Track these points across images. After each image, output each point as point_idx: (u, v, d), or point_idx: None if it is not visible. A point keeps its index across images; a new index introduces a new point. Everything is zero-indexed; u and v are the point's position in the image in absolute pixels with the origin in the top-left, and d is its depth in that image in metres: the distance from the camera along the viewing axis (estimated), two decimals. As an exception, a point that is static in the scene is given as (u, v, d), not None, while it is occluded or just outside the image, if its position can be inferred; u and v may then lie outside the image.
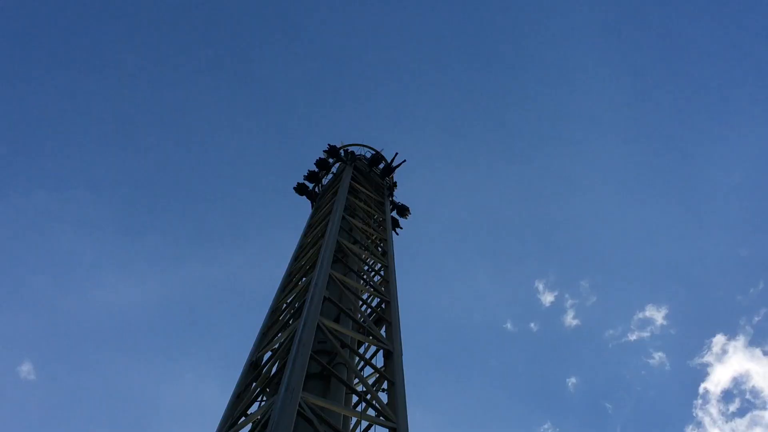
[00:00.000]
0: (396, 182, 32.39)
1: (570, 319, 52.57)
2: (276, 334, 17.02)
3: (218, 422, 13.84)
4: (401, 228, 29.39)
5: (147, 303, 55.15)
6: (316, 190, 30.55)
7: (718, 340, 47.49)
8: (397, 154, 30.97)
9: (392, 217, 28.41)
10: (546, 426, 48.99)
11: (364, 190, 27.96)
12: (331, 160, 31.42)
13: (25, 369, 50.68)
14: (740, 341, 48.37)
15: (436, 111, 66.65)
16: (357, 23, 69.15)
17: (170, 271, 58.34)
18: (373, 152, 31.62)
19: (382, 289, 20.21)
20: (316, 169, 31.19)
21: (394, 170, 30.82)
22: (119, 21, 64.53)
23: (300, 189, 30.49)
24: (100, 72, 63.23)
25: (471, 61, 67.36)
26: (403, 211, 30.03)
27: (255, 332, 18.87)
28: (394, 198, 30.17)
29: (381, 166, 30.99)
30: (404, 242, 28.83)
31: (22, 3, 61.66)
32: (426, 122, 65.99)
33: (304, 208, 30.91)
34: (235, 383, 15.64)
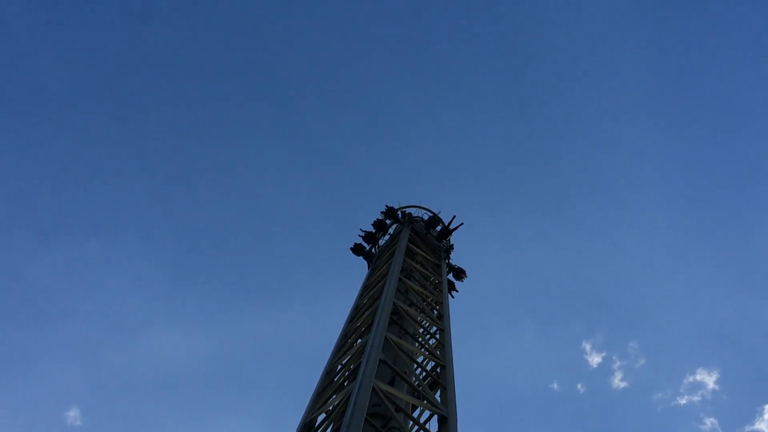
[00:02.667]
0: (453, 245, 32.32)
1: (618, 381, 51.39)
2: (330, 396, 16.96)
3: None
4: (457, 291, 29.21)
5: (194, 355, 55.46)
6: (373, 251, 30.60)
7: (770, 406, 45.72)
8: (454, 217, 30.90)
9: (448, 280, 28.31)
10: None
11: (420, 252, 27.98)
12: (388, 222, 31.54)
13: (72, 414, 51.19)
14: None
15: (487, 171, 66.81)
16: (411, 79, 70.06)
17: (218, 324, 58.78)
18: (431, 214, 31.69)
19: (438, 352, 20.05)
20: (373, 230, 31.35)
21: (451, 233, 30.77)
22: (176, 70, 66.37)
23: (357, 249, 30.60)
24: (154, 124, 64.99)
25: (522, 120, 67.64)
26: (460, 274, 29.86)
27: (301, 389, 18.95)
28: (450, 261, 30.08)
29: (438, 228, 31.01)
30: (455, 303, 28.62)
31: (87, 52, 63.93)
32: (476, 182, 66.12)
33: (353, 267, 31.11)
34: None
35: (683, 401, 50.07)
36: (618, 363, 55.97)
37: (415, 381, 17.87)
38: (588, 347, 54.97)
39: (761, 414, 50.22)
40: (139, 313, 56.74)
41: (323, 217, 65.18)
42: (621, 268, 60.17)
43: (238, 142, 67.16)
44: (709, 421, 47.96)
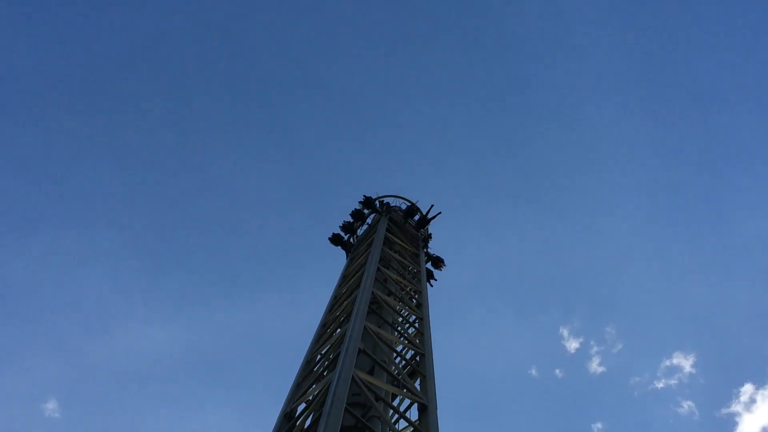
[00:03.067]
0: (431, 234, 32.39)
1: (595, 366, 51.82)
2: (310, 386, 16.98)
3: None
4: (435, 280, 29.34)
5: (172, 346, 55.25)
6: (351, 240, 30.69)
7: (747, 389, 46.43)
8: (432, 206, 31.04)
9: (427, 269, 28.40)
10: None
11: (398, 241, 28.02)
12: (366, 211, 31.68)
13: (50, 407, 50.89)
14: (769, 390, 47.13)
15: (464, 160, 67.04)
16: (387, 71, 70.06)
17: (197, 316, 58.59)
18: (409, 204, 31.76)
19: (417, 341, 20.11)
20: (351, 220, 31.50)
21: (429, 222, 30.89)
22: (150, 64, 65.91)
23: (335, 239, 30.73)
24: (130, 115, 64.51)
25: (498, 110, 67.86)
26: (438, 262, 29.99)
27: (281, 379, 19.00)
28: (428, 250, 30.15)
29: (416, 218, 31.13)
30: (433, 291, 28.70)
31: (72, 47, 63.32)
32: (457, 173, 66.30)
33: (331, 258, 31.20)
34: (259, 430, 15.57)
35: (660, 385, 50.68)
36: (595, 348, 56.52)
37: (394, 370, 17.92)
38: (565, 333, 55.47)
39: (737, 396, 50.91)
40: (117, 305, 56.47)
41: (300, 207, 65.17)
42: (598, 254, 60.75)
43: (213, 134, 66.93)
44: (687, 404, 48.59)
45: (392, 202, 33.79)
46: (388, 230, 28.74)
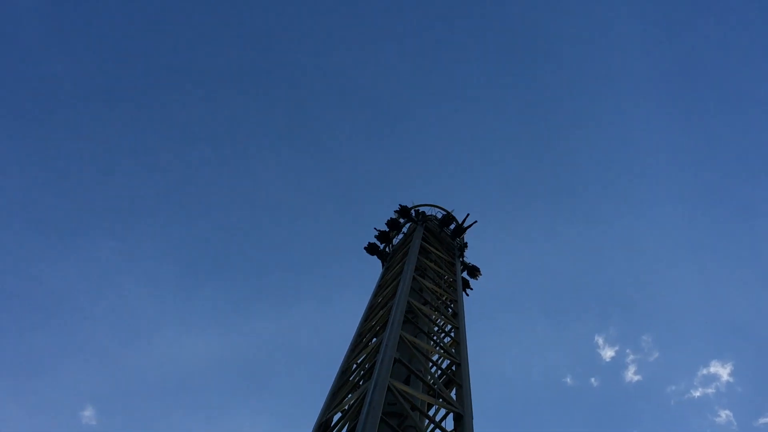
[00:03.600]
0: (467, 243, 32.30)
1: (631, 374, 51.17)
2: (346, 395, 16.99)
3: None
4: (471, 289, 29.29)
5: (207, 356, 55.61)
6: (387, 249, 30.77)
7: (785, 397, 45.48)
8: (468, 215, 30.99)
9: (463, 278, 28.34)
10: None
11: (434, 250, 27.97)
12: (402, 221, 31.81)
13: (87, 414, 51.47)
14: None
15: (497, 168, 66.78)
16: (419, 77, 70.02)
17: (231, 324, 58.93)
18: (444, 213, 31.83)
19: (453, 351, 20.04)
20: (387, 229, 31.60)
21: (465, 231, 30.90)
22: (185, 71, 66.56)
23: (371, 249, 30.82)
24: (169, 124, 65.15)
25: (531, 116, 67.52)
26: (474, 272, 29.91)
27: (316, 388, 19.10)
28: (464, 259, 30.13)
29: (452, 227, 31.21)
30: (469, 300, 28.63)
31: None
32: (491, 181, 66.06)
33: (366, 267, 31.26)
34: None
35: (697, 394, 49.92)
36: (631, 356, 55.86)
37: (430, 379, 17.88)
38: (601, 341, 54.91)
39: (775, 406, 49.88)
40: (153, 314, 57.04)
41: (334, 216, 65.37)
42: (633, 262, 60.09)
43: (248, 144, 67.47)
44: (724, 414, 47.82)
45: (428, 211, 33.79)
46: (423, 239, 28.72)
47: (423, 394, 16.81)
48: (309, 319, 59.81)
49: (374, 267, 31.44)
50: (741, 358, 52.11)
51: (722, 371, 50.35)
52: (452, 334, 21.34)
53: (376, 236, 31.41)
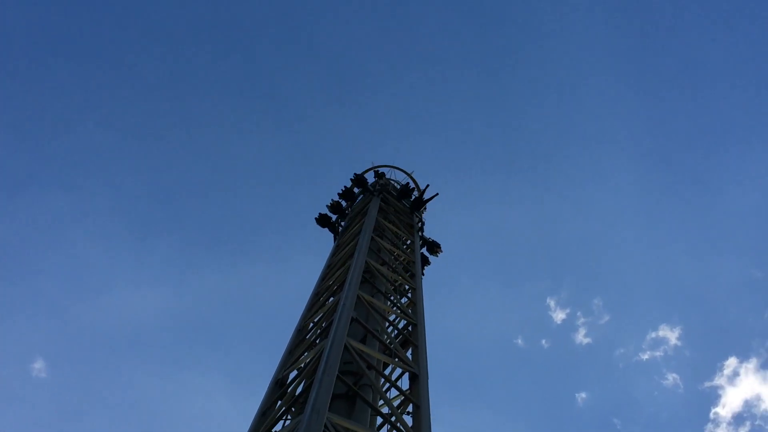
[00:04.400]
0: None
1: (581, 337, 52.12)
2: (302, 354, 17.03)
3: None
4: (430, 264, 27.57)
5: (161, 311, 55.24)
6: (340, 223, 28.71)
7: (731, 362, 46.83)
8: (428, 186, 29.26)
9: (422, 255, 26.88)
10: None
11: (393, 211, 27.96)
12: (356, 190, 29.96)
13: (38, 367, 50.95)
14: (752, 364, 47.63)
15: (452, 130, 66.94)
16: (378, 40, 69.59)
17: (186, 280, 58.51)
18: (404, 174, 31.51)
19: (410, 311, 20.16)
20: (340, 200, 29.57)
21: (425, 204, 28.95)
22: (145, 25, 65.31)
23: (322, 220, 28.71)
24: (122, 78, 64.06)
25: (489, 81, 67.61)
26: (434, 248, 27.98)
27: (271, 346, 19.09)
28: (423, 233, 28.58)
29: (412, 198, 29.82)
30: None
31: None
32: (442, 140, 66.24)
33: (320, 228, 30.47)
34: (247, 395, 15.66)
35: (646, 357, 51.02)
36: (582, 319, 56.82)
37: (386, 339, 17.99)
38: (552, 304, 55.71)
39: (721, 369, 51.21)
40: (104, 267, 56.28)
41: (292, 175, 64.96)
42: (586, 226, 60.91)
43: (205, 98, 66.55)
44: (672, 377, 48.98)
45: (387, 173, 33.71)
46: (382, 200, 28.70)
47: (379, 354, 16.91)
48: (265, 277, 59.68)
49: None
50: (689, 322, 53.36)
51: (671, 335, 51.55)
52: (409, 295, 21.45)
53: (328, 206, 29.13)
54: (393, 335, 18.96)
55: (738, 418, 48.02)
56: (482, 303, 57.53)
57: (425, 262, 26.85)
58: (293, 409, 14.36)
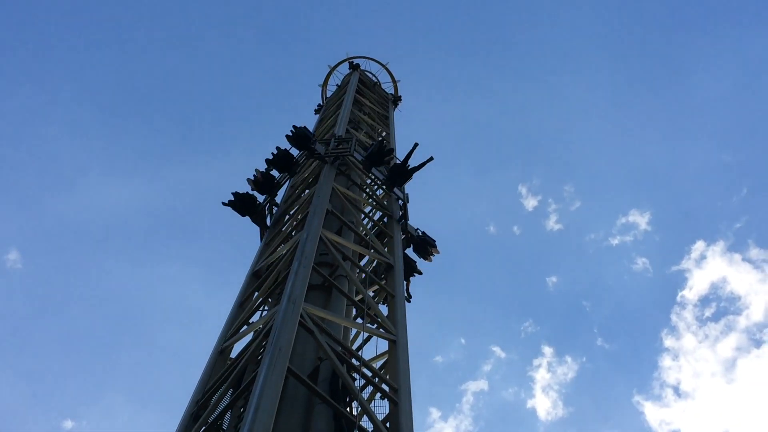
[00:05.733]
0: (401, 96, 32.10)
1: (552, 224, 52.84)
2: (278, 246, 17.16)
3: (203, 323, 14.02)
4: (421, 273, 19.52)
5: (134, 202, 54.97)
6: (269, 210, 19.47)
7: (699, 246, 47.91)
8: (416, 145, 19.92)
9: (411, 261, 19.30)
10: (527, 323, 49.98)
11: (368, 104, 27.75)
12: (294, 154, 20.18)
13: (12, 258, 51.03)
14: (719, 247, 48.80)
15: (424, 16, 65.72)
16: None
17: (159, 172, 58.00)
18: (372, 144, 21.33)
19: (385, 203, 20.24)
20: (272, 171, 20.00)
21: (411, 175, 20.11)
22: None
23: (239, 202, 19.33)
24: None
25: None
26: (426, 248, 19.51)
27: (247, 239, 19.22)
28: (407, 221, 19.29)
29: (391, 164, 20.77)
30: (400, 153, 27.71)
31: None
32: (413, 25, 65.14)
33: (294, 119, 29.66)
34: (224, 286, 15.81)
35: (615, 242, 51.90)
36: (553, 206, 57.43)
37: (362, 230, 18.15)
38: (524, 191, 56.10)
39: (689, 253, 52.33)
40: (77, 159, 55.62)
41: (264, 64, 63.82)
42: (558, 114, 60.91)
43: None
44: (641, 261, 50.01)
45: (363, 65, 33.29)
46: (358, 91, 28.46)
47: (355, 245, 17.10)
48: (240, 169, 59.33)
49: (308, 116, 30.65)
50: (659, 207, 54.10)
51: (640, 220, 52.34)
52: (384, 187, 21.48)
53: (251, 181, 19.66)
54: (369, 227, 19.10)
55: (704, 300, 49.56)
56: (454, 191, 57.85)
57: (412, 269, 19.20)
58: (270, 300, 14.59)
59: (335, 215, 17.18)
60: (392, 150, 21.32)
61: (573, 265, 53.29)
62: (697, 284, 49.12)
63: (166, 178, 58.18)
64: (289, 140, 19.62)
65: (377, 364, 13.89)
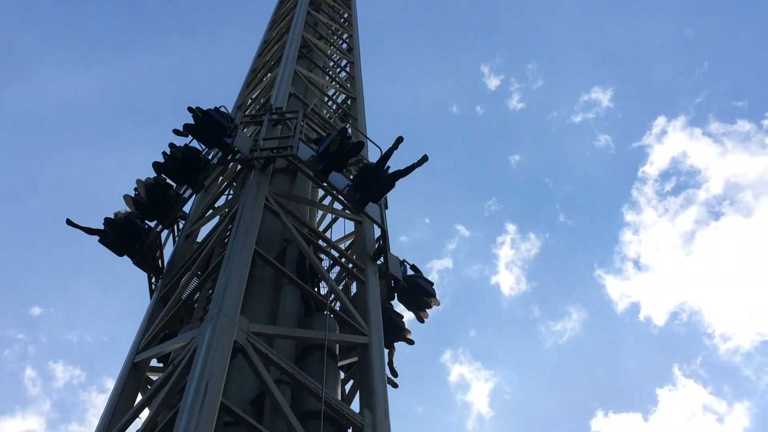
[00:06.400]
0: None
1: (515, 103, 52.58)
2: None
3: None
4: (412, 342, 13.00)
5: (90, 90, 53.45)
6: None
7: (660, 121, 48.32)
8: (400, 139, 12.82)
9: (393, 316, 12.85)
10: (491, 202, 50.59)
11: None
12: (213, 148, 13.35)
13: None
14: (680, 121, 49.24)
15: None
16: None
17: (113, 61, 56.32)
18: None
19: (348, 85, 20.10)
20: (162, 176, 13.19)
21: (392, 184, 12.97)
22: None
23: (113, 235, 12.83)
24: None
25: None
26: (419, 300, 13.18)
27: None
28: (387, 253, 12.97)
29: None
30: (362, 36, 27.04)
31: None
32: None
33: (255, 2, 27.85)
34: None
35: (578, 119, 52.00)
36: (516, 85, 57.05)
37: (326, 113, 18.04)
38: (486, 70, 55.54)
39: (650, 129, 52.69)
40: (31, 47, 53.98)
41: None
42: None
43: None
44: (603, 138, 50.23)
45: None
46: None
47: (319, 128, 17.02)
48: (199, 54, 58.07)
49: (269, 3, 29.73)
50: (621, 83, 53.94)
51: (603, 97, 52.26)
52: (347, 69, 21.26)
53: (133, 198, 12.89)
54: (333, 110, 18.98)
55: (664, 175, 50.17)
56: (416, 72, 57.15)
57: (398, 331, 12.69)
58: (234, 184, 14.56)
59: (298, 98, 17.00)
60: (360, 145, 13.27)
61: (536, 144, 53.43)
62: (657, 160, 49.67)
63: (123, 65, 56.69)
64: (189, 132, 12.63)
65: (344, 245, 14.03)
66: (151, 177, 12.90)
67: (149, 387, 10.41)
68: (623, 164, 51.30)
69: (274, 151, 12.61)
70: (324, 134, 13.94)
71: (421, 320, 13.21)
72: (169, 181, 13.02)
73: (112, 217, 12.80)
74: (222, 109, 12.87)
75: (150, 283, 12.93)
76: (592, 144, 50.90)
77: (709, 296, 48.78)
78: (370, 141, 14.64)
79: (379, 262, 12.73)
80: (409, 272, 13.27)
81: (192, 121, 12.40)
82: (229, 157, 12.55)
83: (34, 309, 44.76)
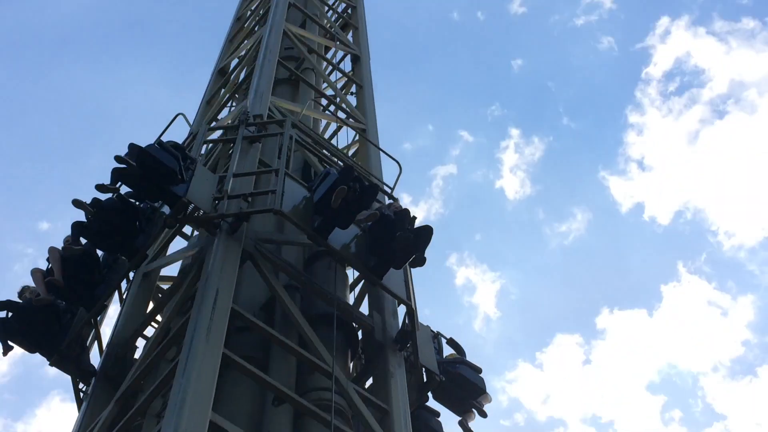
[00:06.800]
0: None
1: (516, 7, 51.62)
2: (242, 41, 16.86)
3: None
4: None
5: (87, 8, 52.37)
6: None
7: (663, 21, 47.43)
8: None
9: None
10: (494, 107, 50.20)
11: None
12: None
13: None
14: (684, 21, 48.35)
15: None
16: None
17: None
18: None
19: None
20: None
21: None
22: None
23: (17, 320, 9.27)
24: None
25: None
26: (463, 400, 9.99)
27: (210, 37, 18.71)
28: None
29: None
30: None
31: None
32: None
33: None
34: (189, 85, 15.61)
35: (580, 21, 51.05)
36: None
37: (326, 23, 17.81)
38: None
39: (654, 30, 51.70)
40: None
41: None
42: None
43: None
44: (606, 40, 49.37)
45: None
46: None
47: (320, 37, 16.83)
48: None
49: None
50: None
51: (606, -2, 51.35)
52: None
53: (45, 271, 9.32)
54: (333, 19, 18.70)
55: (668, 75, 49.36)
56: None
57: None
58: (237, 96, 14.49)
59: (298, 8, 16.78)
60: (375, 190, 9.81)
61: (538, 48, 52.43)
62: (661, 60, 48.80)
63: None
64: (122, 182, 9.19)
65: (349, 153, 14.04)
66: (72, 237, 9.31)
67: (160, 296, 10.58)
68: (627, 66, 50.53)
69: (248, 201, 8.77)
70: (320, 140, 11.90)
71: (471, 416, 9.80)
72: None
73: (17, 299, 9.24)
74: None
75: (76, 389, 9.41)
76: (594, 46, 50.02)
77: (714, 194, 48.68)
78: (388, 156, 12.42)
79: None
80: (446, 351, 9.87)
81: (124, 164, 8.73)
82: (180, 216, 8.66)
83: (42, 224, 45.07)
